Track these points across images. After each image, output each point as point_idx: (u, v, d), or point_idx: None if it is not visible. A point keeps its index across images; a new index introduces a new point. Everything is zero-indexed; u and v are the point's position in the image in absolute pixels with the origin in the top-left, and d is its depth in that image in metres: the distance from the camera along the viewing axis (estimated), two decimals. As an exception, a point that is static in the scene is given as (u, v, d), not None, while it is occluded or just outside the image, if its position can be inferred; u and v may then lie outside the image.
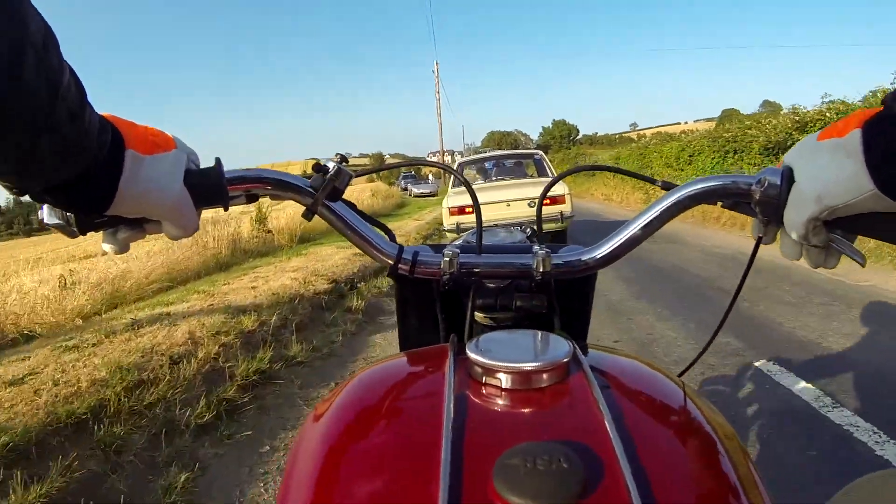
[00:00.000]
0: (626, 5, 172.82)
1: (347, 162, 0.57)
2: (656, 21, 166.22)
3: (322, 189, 0.56)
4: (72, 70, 0.36)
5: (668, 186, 0.58)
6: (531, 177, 7.55)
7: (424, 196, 27.69)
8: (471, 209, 6.10)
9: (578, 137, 58.63)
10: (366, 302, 4.41)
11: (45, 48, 0.32)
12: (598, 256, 0.58)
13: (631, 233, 0.57)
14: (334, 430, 0.45)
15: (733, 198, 0.54)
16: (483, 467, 0.35)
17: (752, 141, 9.38)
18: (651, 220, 0.57)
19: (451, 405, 0.41)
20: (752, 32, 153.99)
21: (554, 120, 64.65)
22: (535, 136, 68.57)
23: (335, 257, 5.93)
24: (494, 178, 7.71)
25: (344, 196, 0.58)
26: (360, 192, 20.41)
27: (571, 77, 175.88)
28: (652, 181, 0.64)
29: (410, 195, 28.92)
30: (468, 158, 8.14)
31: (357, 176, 0.61)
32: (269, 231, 8.04)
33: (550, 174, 7.20)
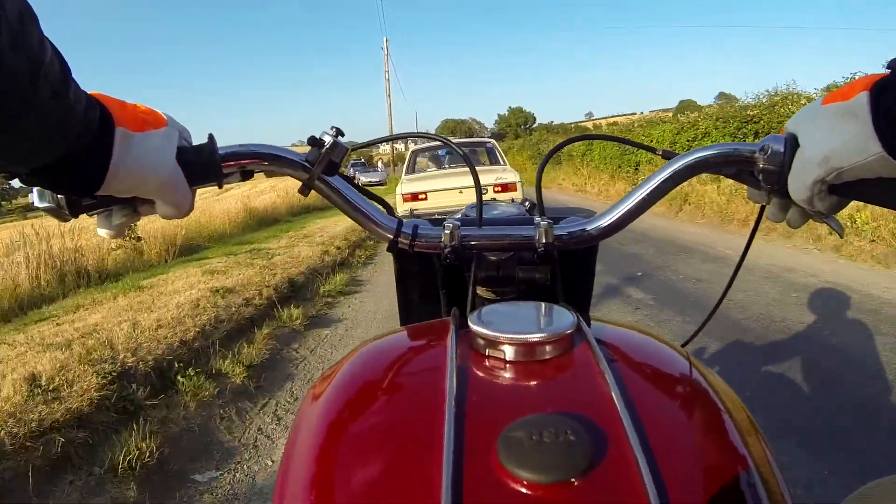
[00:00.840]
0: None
1: (343, 135, 0.55)
2: (611, 6, 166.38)
3: (318, 163, 0.54)
4: (54, 47, 0.35)
5: (669, 156, 0.59)
6: (483, 164, 7.60)
7: (373, 185, 24.55)
8: (424, 196, 6.25)
9: (535, 126, 56.61)
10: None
11: (21, 25, 0.31)
12: (601, 226, 0.58)
13: (633, 202, 0.57)
14: (335, 405, 0.45)
15: (736, 166, 0.54)
16: (487, 440, 0.34)
17: (785, 119, 7.49)
18: (653, 190, 0.56)
19: (454, 378, 0.40)
20: (706, 20, 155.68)
21: (510, 107, 62.97)
22: (490, 123, 67.06)
23: (184, 295, 3.50)
24: (448, 166, 7.82)
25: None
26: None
27: (526, 65, 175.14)
28: (653, 150, 0.65)
29: (359, 184, 27.97)
30: (422, 146, 8.19)
31: (354, 149, 0.62)
32: (140, 238, 5.94)
33: (502, 162, 7.28)
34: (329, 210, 9.17)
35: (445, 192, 6.30)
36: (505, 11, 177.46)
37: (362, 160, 35.80)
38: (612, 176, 12.10)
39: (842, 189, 0.45)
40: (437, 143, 8.67)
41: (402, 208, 6.41)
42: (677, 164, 0.55)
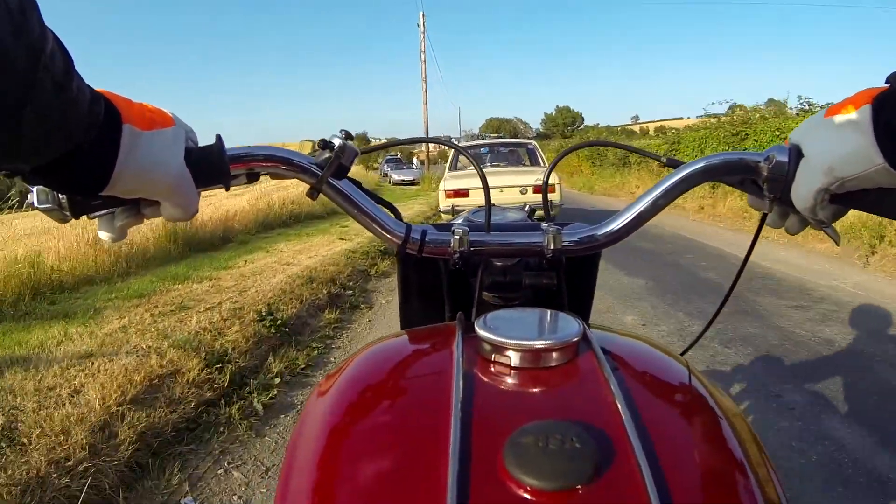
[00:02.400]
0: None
1: (352, 138, 0.56)
2: (663, 11, 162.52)
3: (328, 167, 0.55)
4: (56, 38, 0.34)
5: (673, 164, 0.60)
6: (524, 165, 7.93)
7: (405, 184, 22.65)
8: (466, 193, 6.43)
9: (582, 126, 57.46)
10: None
11: (22, 13, 0.30)
12: (609, 232, 0.58)
13: (639, 210, 0.57)
14: (339, 407, 0.45)
15: (740, 174, 0.55)
16: (493, 446, 0.34)
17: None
18: (660, 197, 0.57)
19: (461, 383, 0.41)
20: (758, 28, 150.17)
21: (557, 106, 62.79)
22: (536, 123, 67.31)
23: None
24: (489, 164, 8.10)
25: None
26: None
27: (574, 65, 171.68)
28: (656, 157, 0.66)
29: (390, 182, 24.23)
30: (464, 144, 8.45)
31: (363, 153, 0.61)
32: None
33: (542, 164, 7.53)
34: (312, 226, 8.15)
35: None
36: (553, 10, 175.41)
37: (397, 155, 33.83)
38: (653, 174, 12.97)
39: (842, 198, 0.47)
40: (480, 141, 8.83)
41: (444, 204, 6.81)
42: (684, 172, 0.56)
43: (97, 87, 0.40)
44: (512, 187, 6.62)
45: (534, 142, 8.67)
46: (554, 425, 0.34)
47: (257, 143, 0.55)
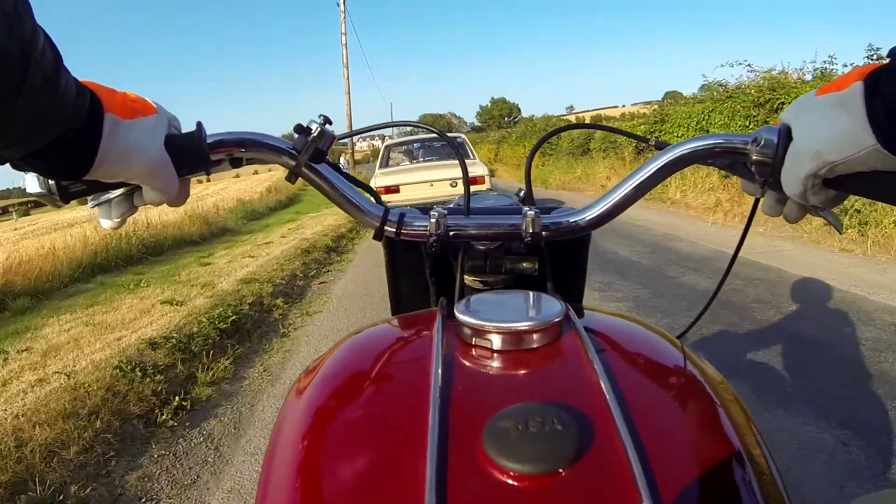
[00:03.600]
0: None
1: (331, 123, 0.55)
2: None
3: (304, 150, 0.54)
4: (46, 35, 0.36)
5: (661, 146, 0.58)
6: (454, 158, 6.72)
7: None
8: (396, 188, 6.66)
9: (518, 118, 54.72)
10: None
11: (15, 12, 0.32)
12: (589, 217, 0.58)
13: (623, 193, 0.56)
14: (319, 397, 0.45)
15: (728, 157, 0.54)
16: (473, 431, 0.34)
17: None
18: (644, 180, 0.56)
19: (440, 368, 0.40)
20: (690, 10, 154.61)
21: (493, 98, 60.44)
22: (470, 117, 65.24)
23: None
24: (421, 160, 8.20)
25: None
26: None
27: (507, 57, 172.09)
28: (645, 140, 0.66)
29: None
30: (396, 141, 8.67)
31: (341, 138, 0.61)
32: None
33: (472, 156, 7.58)
34: (165, 262, 6.16)
35: (417, 185, 6.65)
36: (484, 1, 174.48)
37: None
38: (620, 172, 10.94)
39: (837, 183, 0.44)
40: (410, 138, 8.41)
41: None
42: (669, 155, 0.55)
43: (85, 79, 0.43)
44: (442, 181, 6.64)
45: (462, 135, 8.89)
46: (534, 408, 0.34)
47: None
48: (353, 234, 7.05)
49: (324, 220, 8.23)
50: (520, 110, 58.42)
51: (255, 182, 19.78)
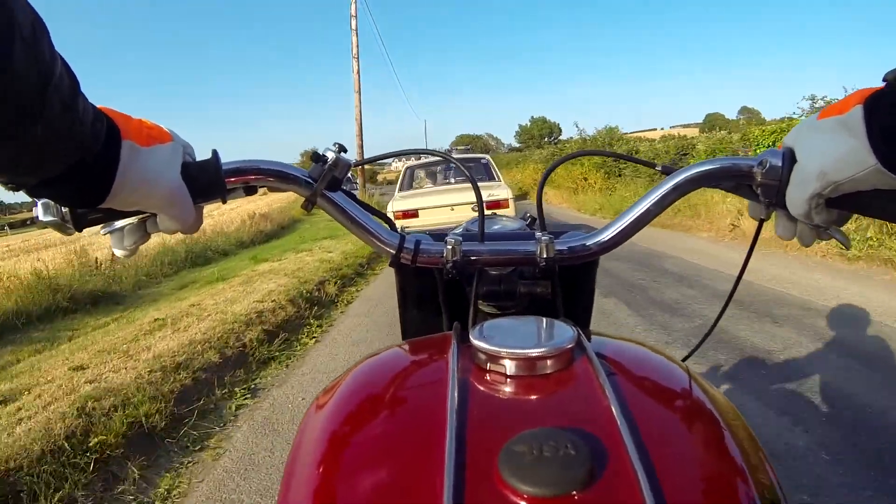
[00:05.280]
0: (600, 4, 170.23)
1: (346, 151, 0.57)
2: (635, 22, 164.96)
3: (321, 179, 0.55)
4: (64, 61, 0.36)
5: (668, 170, 0.59)
6: (480, 179, 7.41)
7: None
8: (415, 213, 6.35)
9: (558, 138, 55.26)
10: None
11: (34, 38, 0.32)
12: (602, 241, 0.59)
13: (633, 217, 0.58)
14: (336, 419, 0.45)
15: (734, 180, 0.55)
16: (488, 455, 0.34)
17: None
18: (653, 204, 0.57)
19: (456, 392, 0.41)
20: (732, 36, 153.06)
21: (532, 117, 59.20)
22: (508, 138, 65.21)
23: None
24: (450, 180, 7.79)
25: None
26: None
27: (546, 79, 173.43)
28: (651, 165, 0.66)
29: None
30: (418, 162, 8.03)
31: (356, 165, 0.61)
32: None
33: (497, 178, 7.29)
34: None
35: (437, 209, 6.32)
36: (525, 19, 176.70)
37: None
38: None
39: (839, 202, 0.46)
40: (433, 158, 7.86)
41: None
42: (677, 179, 0.56)
43: (101, 105, 0.43)
44: (463, 205, 6.25)
45: (487, 156, 8.39)
46: (548, 432, 0.35)
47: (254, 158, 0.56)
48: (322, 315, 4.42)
49: (303, 262, 6.20)
50: (560, 130, 57.19)
51: (256, 203, 16.35)
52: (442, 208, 6.32)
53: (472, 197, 6.40)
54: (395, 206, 6.59)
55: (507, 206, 6.29)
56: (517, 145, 58.08)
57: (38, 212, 0.45)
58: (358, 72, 15.91)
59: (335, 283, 5.32)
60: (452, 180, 7.66)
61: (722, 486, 0.36)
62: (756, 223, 0.58)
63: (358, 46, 15.82)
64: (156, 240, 8.38)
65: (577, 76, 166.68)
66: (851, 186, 0.43)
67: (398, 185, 7.62)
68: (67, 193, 0.42)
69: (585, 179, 14.84)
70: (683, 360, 0.54)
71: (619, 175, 13.70)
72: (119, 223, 0.51)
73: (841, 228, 0.51)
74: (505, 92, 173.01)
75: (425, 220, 6.16)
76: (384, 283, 5.63)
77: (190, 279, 6.62)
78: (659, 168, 0.63)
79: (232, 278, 5.86)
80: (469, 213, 6.09)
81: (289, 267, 6.02)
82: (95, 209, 0.45)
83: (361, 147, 16.32)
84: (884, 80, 0.40)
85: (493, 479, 0.33)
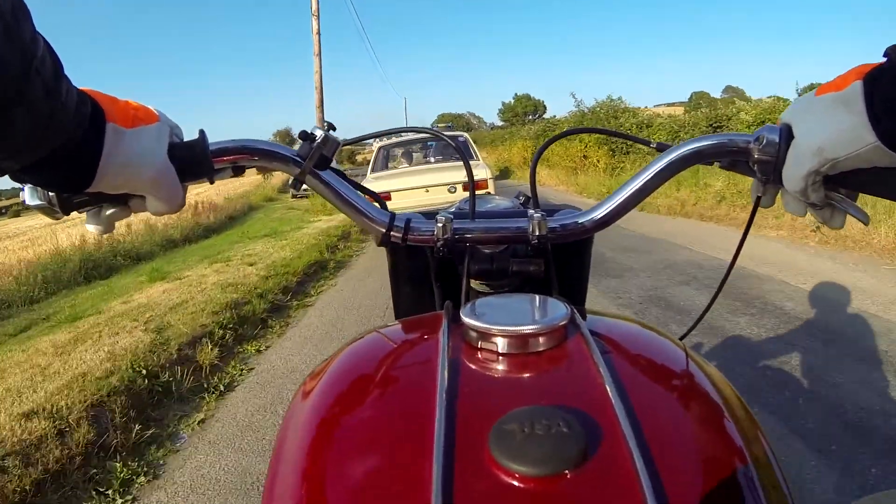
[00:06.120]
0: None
1: (335, 129, 0.56)
2: (617, 2, 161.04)
3: (309, 157, 0.55)
4: (47, 43, 0.35)
5: (662, 147, 0.59)
6: (457, 159, 6.98)
7: (298, 198, 13.56)
8: (387, 196, 5.73)
9: (545, 115, 52.72)
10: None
11: (14, 19, 0.31)
12: (595, 219, 0.58)
13: (627, 195, 0.57)
14: (325, 401, 0.45)
15: (730, 157, 0.54)
16: (479, 433, 0.34)
17: None
18: (648, 181, 0.56)
19: (446, 371, 0.40)
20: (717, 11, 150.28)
21: (516, 94, 57.08)
22: (491, 117, 63.10)
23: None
24: (424, 162, 7.45)
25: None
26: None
27: (528, 58, 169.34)
28: (646, 143, 0.66)
29: (291, 196, 15.52)
30: (391, 141, 7.42)
31: (345, 144, 0.61)
32: None
33: (475, 157, 6.95)
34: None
35: (410, 191, 5.91)
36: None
37: None
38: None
39: (837, 179, 0.46)
40: (407, 138, 7.47)
41: None
42: (672, 155, 0.55)
43: (86, 87, 0.42)
44: (439, 186, 5.88)
45: (465, 134, 7.90)
46: (540, 410, 0.34)
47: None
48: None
49: (201, 285, 4.43)
50: (545, 108, 55.23)
51: (217, 189, 15.03)
52: (416, 190, 5.92)
53: (447, 178, 5.92)
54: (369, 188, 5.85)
55: (486, 187, 5.87)
56: (500, 124, 55.83)
57: (26, 196, 0.45)
58: (318, 32, 12.96)
59: (220, 340, 3.23)
60: (432, 159, 7.33)
61: (717, 463, 0.36)
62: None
63: (318, 2, 12.96)
64: (46, 247, 7.35)
65: (559, 55, 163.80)
66: (850, 164, 0.42)
67: (370, 166, 7.14)
68: (52, 178, 0.42)
69: (585, 157, 12.79)
70: (681, 338, 0.54)
71: (627, 153, 11.77)
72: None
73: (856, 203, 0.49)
74: (487, 70, 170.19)
75: (398, 204, 5.65)
76: (325, 328, 3.59)
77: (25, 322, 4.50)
78: (654, 145, 0.62)
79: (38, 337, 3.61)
80: (445, 196, 5.85)
81: (171, 299, 4.08)
82: (82, 193, 0.45)
83: (323, 120, 13.18)
84: (885, 54, 0.39)
85: (484, 459, 0.32)
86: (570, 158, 13.32)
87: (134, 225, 8.45)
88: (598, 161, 12.28)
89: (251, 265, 5.17)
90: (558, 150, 13.63)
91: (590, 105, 14.15)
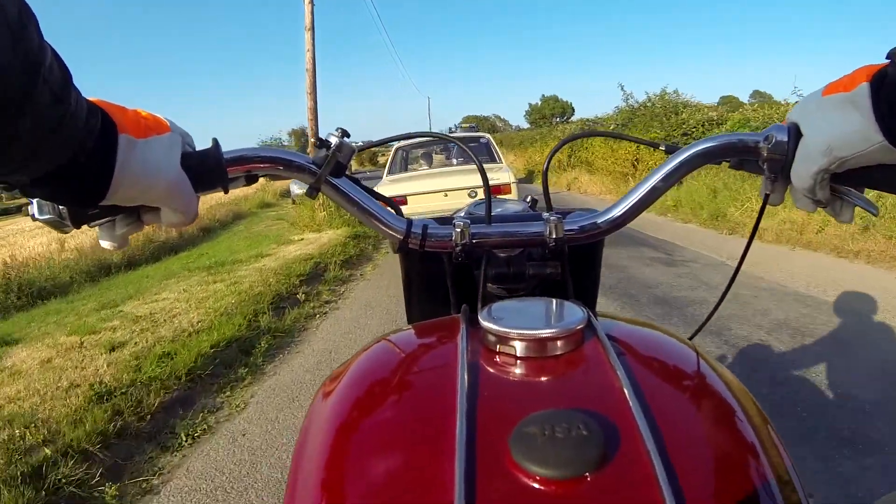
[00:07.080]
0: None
1: (349, 136, 0.56)
2: (646, 5, 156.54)
3: (325, 165, 0.54)
4: (54, 51, 0.34)
5: (671, 149, 0.59)
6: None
7: (298, 204, 10.99)
8: (403, 200, 5.63)
9: (573, 117, 50.14)
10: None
11: (21, 27, 0.30)
12: (611, 219, 0.58)
13: (641, 194, 0.57)
14: (346, 402, 0.45)
15: (740, 156, 0.55)
16: (500, 436, 0.34)
17: None
18: (660, 181, 0.57)
19: (465, 374, 0.41)
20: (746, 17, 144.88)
21: (543, 96, 55.60)
22: (517, 119, 60.84)
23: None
24: (446, 164, 7.10)
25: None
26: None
27: (555, 60, 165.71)
28: (654, 145, 0.66)
29: (293, 199, 13.22)
30: (406, 143, 6.79)
31: (360, 150, 0.61)
32: None
33: (498, 160, 6.49)
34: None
35: (428, 195, 5.51)
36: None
37: None
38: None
39: (843, 177, 0.47)
40: (426, 139, 7.08)
41: None
42: (683, 156, 0.56)
43: (95, 97, 0.41)
44: (458, 190, 5.45)
45: (488, 135, 7.27)
46: (560, 414, 0.34)
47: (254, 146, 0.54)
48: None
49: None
50: (573, 110, 53.65)
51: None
52: (434, 194, 5.57)
53: (467, 182, 5.59)
54: (383, 191, 6.49)
55: (510, 192, 5.47)
56: (526, 126, 53.46)
57: (34, 210, 0.44)
58: (312, 12, 9.64)
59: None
60: (454, 161, 7.00)
61: (734, 465, 0.36)
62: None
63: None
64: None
65: (587, 57, 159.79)
66: (857, 162, 0.43)
67: (387, 168, 6.79)
68: (64, 191, 0.40)
69: (636, 163, 10.52)
70: (690, 338, 0.54)
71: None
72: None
73: (864, 195, 0.50)
74: (513, 72, 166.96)
75: (414, 208, 5.28)
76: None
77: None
78: (662, 147, 0.63)
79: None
80: (465, 201, 5.27)
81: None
82: (96, 206, 0.43)
83: (316, 129, 10.26)
84: (887, 57, 0.40)
85: (505, 462, 0.33)
86: (618, 163, 11.07)
87: (86, 244, 6.87)
88: (656, 165, 10.06)
89: (111, 350, 3.00)
90: (602, 153, 11.60)
91: (640, 99, 11.92)
